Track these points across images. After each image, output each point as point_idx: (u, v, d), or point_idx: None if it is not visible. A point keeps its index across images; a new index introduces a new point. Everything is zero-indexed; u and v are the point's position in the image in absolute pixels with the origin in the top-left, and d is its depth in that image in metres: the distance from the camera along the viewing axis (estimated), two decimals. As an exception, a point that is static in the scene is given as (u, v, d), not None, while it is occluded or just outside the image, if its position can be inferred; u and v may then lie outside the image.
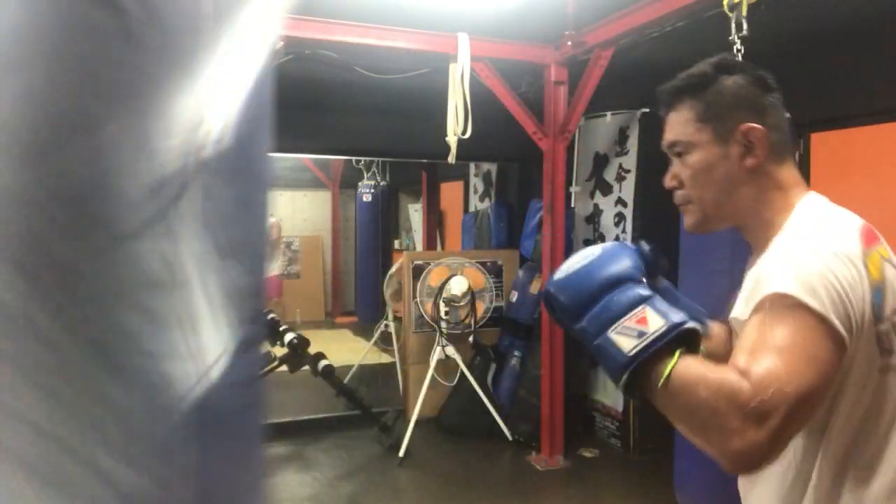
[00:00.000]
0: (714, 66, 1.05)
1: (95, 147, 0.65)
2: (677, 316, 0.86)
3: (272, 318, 4.51)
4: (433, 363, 4.32)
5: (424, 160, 5.95)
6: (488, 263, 4.86)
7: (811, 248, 0.92)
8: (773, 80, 1.06)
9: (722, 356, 1.04)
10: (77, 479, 0.65)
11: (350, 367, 5.37)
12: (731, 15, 2.29)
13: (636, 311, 0.86)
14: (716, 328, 1.16)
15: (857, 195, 3.00)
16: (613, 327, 0.86)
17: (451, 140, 3.48)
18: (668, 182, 1.09)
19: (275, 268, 6.71)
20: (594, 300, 0.90)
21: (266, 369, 4.01)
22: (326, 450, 4.21)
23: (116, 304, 0.67)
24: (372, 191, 7.14)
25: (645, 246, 1.01)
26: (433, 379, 4.29)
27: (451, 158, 3.52)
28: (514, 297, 4.68)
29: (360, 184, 7.30)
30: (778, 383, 0.79)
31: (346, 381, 4.56)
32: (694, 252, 2.46)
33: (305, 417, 4.61)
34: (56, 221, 0.62)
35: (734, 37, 2.29)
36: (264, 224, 0.90)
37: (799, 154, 2.46)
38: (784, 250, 0.95)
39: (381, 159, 6.93)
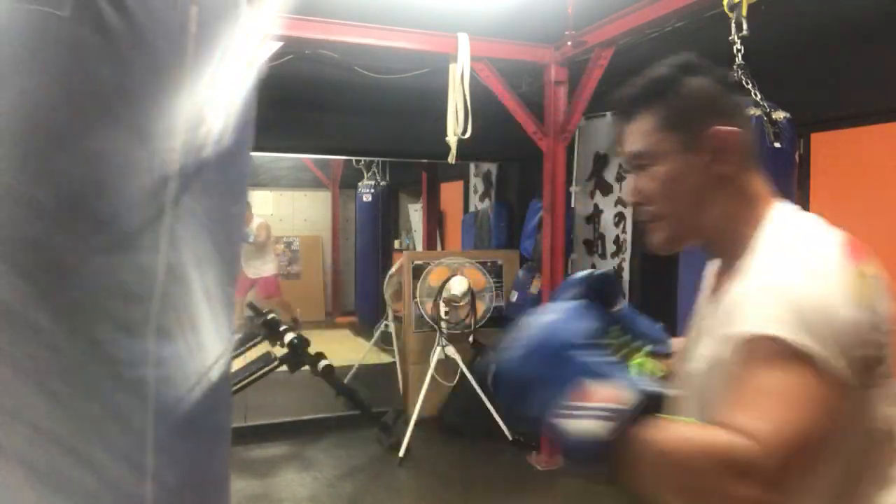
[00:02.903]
0: (675, 67, 0.97)
1: (95, 148, 0.65)
2: (637, 386, 0.76)
3: (272, 318, 4.51)
4: (433, 363, 4.32)
5: (424, 160, 5.95)
6: (488, 263, 4.86)
7: (794, 273, 0.81)
8: (735, 80, 1.02)
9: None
10: (77, 478, 0.65)
11: (350, 367, 5.37)
12: (731, 15, 2.29)
13: (580, 388, 0.77)
14: (678, 344, 1.09)
15: (858, 195, 2.99)
16: (569, 412, 0.76)
17: (451, 140, 3.48)
18: (631, 197, 1.00)
19: (271, 268, 6.76)
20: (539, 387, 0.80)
21: (265, 369, 4.01)
22: (326, 450, 4.21)
23: (117, 304, 0.67)
24: (372, 191, 7.14)
25: (594, 274, 1.00)
26: (433, 379, 4.28)
27: (451, 158, 3.52)
28: (515, 297, 4.68)
29: (360, 184, 7.29)
30: (787, 444, 0.71)
31: (346, 381, 4.56)
32: (695, 252, 2.45)
33: (305, 417, 4.61)
34: (56, 222, 0.62)
35: (734, 37, 2.30)
36: (241, 230, 0.90)
37: (799, 154, 2.46)
38: (762, 276, 0.84)
39: (381, 159, 6.93)
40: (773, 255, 0.86)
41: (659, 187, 0.95)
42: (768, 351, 0.76)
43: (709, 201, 0.94)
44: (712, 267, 1.08)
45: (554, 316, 0.87)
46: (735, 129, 0.92)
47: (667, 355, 1.07)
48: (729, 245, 0.95)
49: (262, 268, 6.57)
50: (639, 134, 0.96)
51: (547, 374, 0.80)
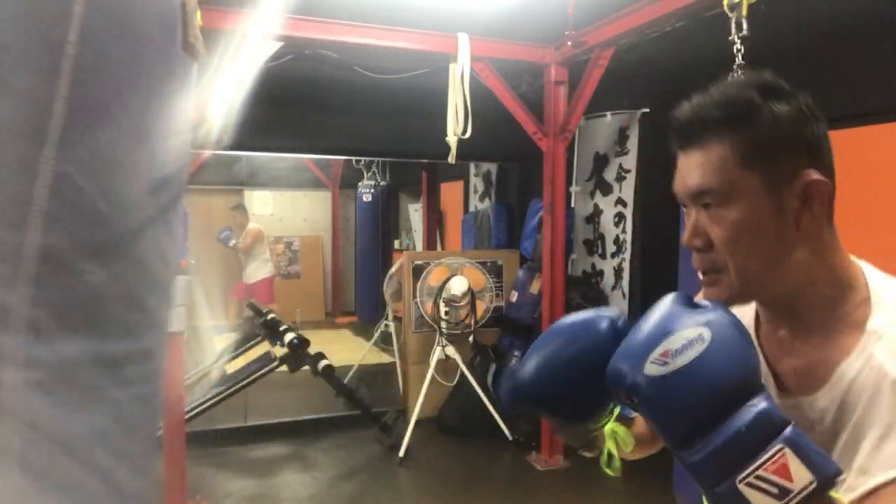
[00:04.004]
0: (759, 89, 0.78)
1: (95, 147, 0.65)
2: (826, 462, 0.64)
3: (272, 318, 4.51)
4: (433, 363, 4.32)
5: (424, 160, 5.96)
6: (488, 263, 4.86)
7: None
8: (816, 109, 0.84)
9: (643, 432, 0.98)
10: (77, 479, 0.65)
11: (350, 367, 5.37)
12: (731, 15, 2.29)
13: (774, 453, 0.64)
14: None
15: (857, 195, 2.99)
16: (744, 475, 0.64)
17: (451, 140, 3.48)
18: (690, 240, 0.81)
19: (263, 273, 6.59)
20: (711, 422, 0.67)
21: (265, 369, 4.01)
22: (326, 450, 4.21)
23: (116, 304, 0.67)
24: (372, 191, 7.15)
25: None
26: (433, 379, 4.29)
27: (451, 158, 3.52)
28: (514, 297, 4.68)
29: (360, 184, 7.30)
30: None
31: (346, 381, 4.57)
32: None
33: (305, 417, 4.62)
34: (56, 222, 0.62)
35: (734, 37, 2.30)
36: None
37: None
38: None
39: (381, 159, 6.94)
40: None
41: (729, 234, 0.78)
42: None
43: (787, 257, 0.78)
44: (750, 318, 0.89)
45: (718, 339, 0.70)
46: (825, 178, 0.77)
47: (630, 420, 0.95)
48: (816, 310, 0.79)
49: (255, 273, 6.53)
50: (708, 166, 0.78)
51: (735, 420, 0.66)
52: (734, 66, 2.33)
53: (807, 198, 0.76)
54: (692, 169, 0.80)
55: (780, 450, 0.64)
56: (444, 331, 4.43)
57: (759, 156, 0.77)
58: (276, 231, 8.62)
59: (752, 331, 0.86)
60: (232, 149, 4.02)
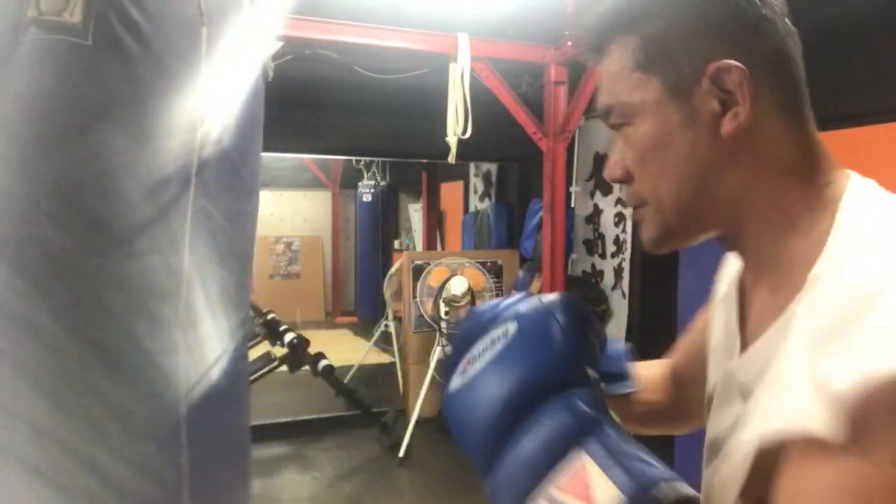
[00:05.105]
0: None
1: (95, 148, 0.65)
2: (640, 469, 0.52)
3: (272, 318, 4.51)
4: (433, 363, 4.32)
5: (424, 160, 5.96)
6: (488, 263, 4.86)
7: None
8: None
9: (656, 404, 0.86)
10: (77, 479, 0.65)
11: (350, 367, 5.37)
12: (731, 15, 2.29)
13: (570, 467, 0.52)
14: (649, 371, 0.88)
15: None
16: (536, 500, 0.52)
17: (451, 140, 3.48)
18: (611, 172, 0.65)
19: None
20: (496, 440, 0.55)
21: (265, 369, 4.01)
22: (326, 450, 4.21)
23: (117, 304, 0.67)
24: (372, 191, 7.14)
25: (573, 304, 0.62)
26: (433, 379, 4.28)
27: (451, 158, 3.52)
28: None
29: (360, 184, 7.30)
30: None
31: (346, 381, 4.57)
32: (695, 250, 2.45)
33: (305, 417, 4.61)
34: (56, 222, 0.62)
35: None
36: (253, 228, 0.91)
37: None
38: (835, 330, 0.47)
39: (381, 159, 6.94)
40: (861, 296, 0.48)
41: (636, 155, 0.62)
42: (811, 455, 0.47)
43: (709, 177, 0.59)
44: (731, 267, 0.75)
45: (515, 340, 0.59)
46: (740, 64, 0.56)
47: (625, 395, 0.82)
48: (752, 244, 0.61)
49: None
50: (610, 79, 0.63)
51: (524, 432, 0.54)
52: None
53: (725, 96, 0.57)
54: (600, 85, 0.65)
55: (578, 462, 0.52)
56: (444, 331, 4.43)
57: (656, 54, 0.59)
58: (276, 231, 8.62)
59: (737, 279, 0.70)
60: (232, 149, 4.01)
